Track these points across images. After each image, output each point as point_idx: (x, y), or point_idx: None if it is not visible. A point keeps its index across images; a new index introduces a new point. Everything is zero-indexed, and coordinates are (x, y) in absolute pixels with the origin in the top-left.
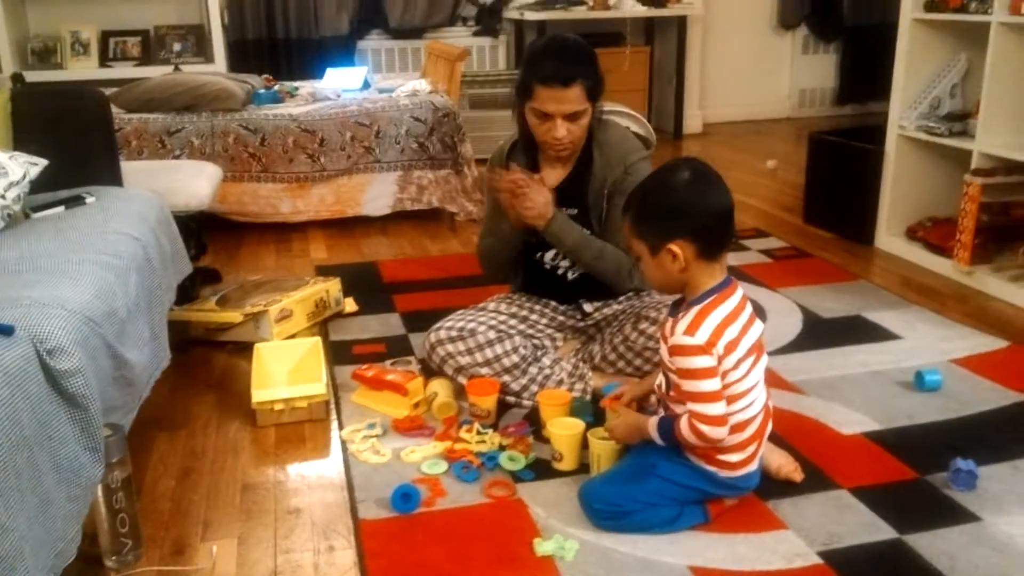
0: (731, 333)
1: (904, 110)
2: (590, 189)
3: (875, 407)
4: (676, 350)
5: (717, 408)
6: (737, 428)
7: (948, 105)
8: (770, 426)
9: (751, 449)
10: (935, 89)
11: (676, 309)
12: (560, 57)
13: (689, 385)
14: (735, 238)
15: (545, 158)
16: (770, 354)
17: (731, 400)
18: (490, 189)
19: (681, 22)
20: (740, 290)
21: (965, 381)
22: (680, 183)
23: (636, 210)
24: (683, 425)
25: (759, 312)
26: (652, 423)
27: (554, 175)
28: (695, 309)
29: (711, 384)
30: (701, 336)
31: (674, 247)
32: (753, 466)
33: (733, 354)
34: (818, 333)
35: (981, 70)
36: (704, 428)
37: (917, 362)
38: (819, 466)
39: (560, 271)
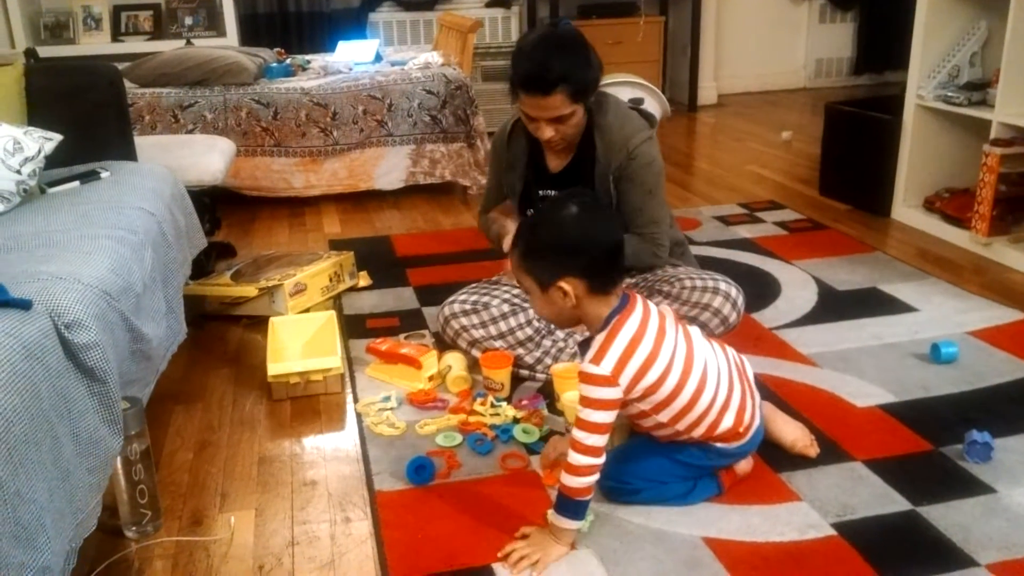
0: (640, 355)
1: (922, 79)
2: (595, 175)
3: (890, 379)
4: (582, 377)
5: (599, 440)
6: (721, 413)
7: (967, 74)
8: (751, 372)
9: (747, 418)
10: (954, 58)
11: (585, 348)
12: (542, 61)
13: (584, 413)
14: (626, 272)
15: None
16: (785, 327)
17: (690, 406)
18: (492, 162)
19: None
20: (639, 301)
21: (981, 353)
22: (567, 219)
23: (523, 247)
24: (563, 472)
25: (773, 285)
26: (551, 514)
27: (558, 160)
28: (599, 338)
29: (605, 416)
30: (606, 365)
31: (564, 284)
32: (756, 423)
33: (651, 371)
34: (833, 305)
35: (1001, 38)
36: (579, 458)
37: (933, 334)
38: (833, 438)
39: None
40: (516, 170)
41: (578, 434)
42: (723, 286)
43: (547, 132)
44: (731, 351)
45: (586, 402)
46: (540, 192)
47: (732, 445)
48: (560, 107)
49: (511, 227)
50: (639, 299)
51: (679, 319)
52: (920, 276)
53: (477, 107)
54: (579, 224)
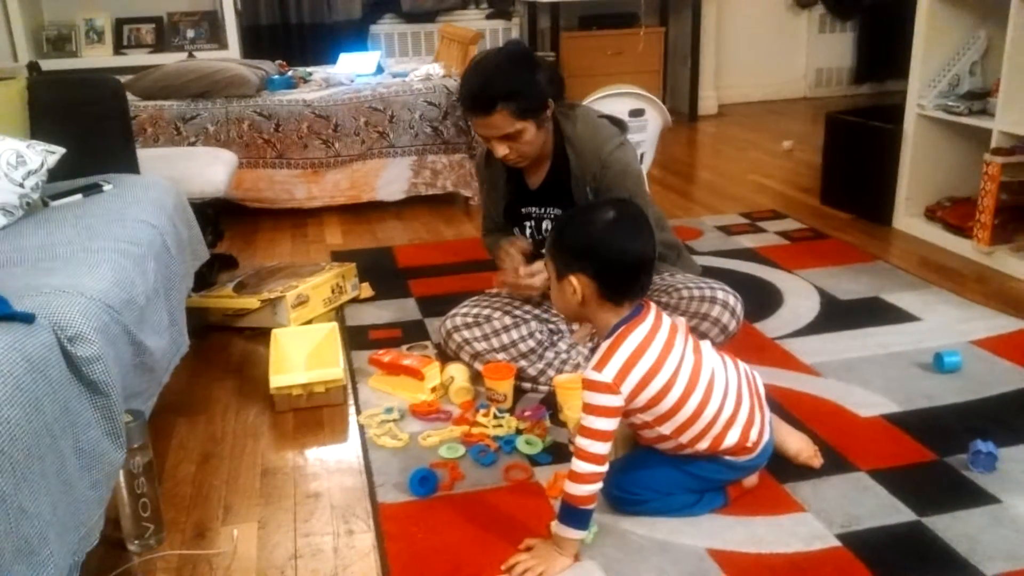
0: (643, 366)
1: (922, 89)
2: (573, 188)
3: (894, 389)
4: (584, 383)
5: (602, 448)
6: (726, 427)
7: (967, 83)
8: (762, 388)
9: (753, 434)
10: (954, 67)
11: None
12: (480, 82)
13: (586, 420)
14: (646, 290)
15: None
16: (787, 336)
17: (693, 420)
18: (478, 184)
19: (696, 1)
20: (652, 311)
21: (984, 362)
22: (600, 221)
23: (554, 234)
24: (566, 480)
25: (776, 295)
26: (554, 524)
27: (535, 177)
28: (604, 345)
29: (606, 423)
30: (608, 373)
31: (573, 280)
32: (765, 438)
33: (654, 382)
34: (836, 315)
35: (1001, 47)
36: (582, 465)
37: (936, 343)
38: (837, 448)
39: None
40: (498, 190)
41: (581, 441)
42: (720, 295)
43: (500, 150)
44: (743, 366)
45: (588, 408)
46: (523, 209)
47: (742, 459)
48: (503, 126)
49: (506, 259)
50: (652, 309)
51: (690, 331)
52: (922, 285)
53: None
54: (607, 229)
